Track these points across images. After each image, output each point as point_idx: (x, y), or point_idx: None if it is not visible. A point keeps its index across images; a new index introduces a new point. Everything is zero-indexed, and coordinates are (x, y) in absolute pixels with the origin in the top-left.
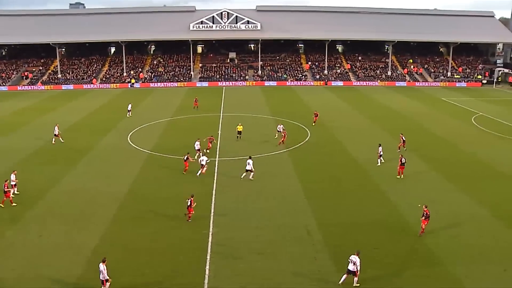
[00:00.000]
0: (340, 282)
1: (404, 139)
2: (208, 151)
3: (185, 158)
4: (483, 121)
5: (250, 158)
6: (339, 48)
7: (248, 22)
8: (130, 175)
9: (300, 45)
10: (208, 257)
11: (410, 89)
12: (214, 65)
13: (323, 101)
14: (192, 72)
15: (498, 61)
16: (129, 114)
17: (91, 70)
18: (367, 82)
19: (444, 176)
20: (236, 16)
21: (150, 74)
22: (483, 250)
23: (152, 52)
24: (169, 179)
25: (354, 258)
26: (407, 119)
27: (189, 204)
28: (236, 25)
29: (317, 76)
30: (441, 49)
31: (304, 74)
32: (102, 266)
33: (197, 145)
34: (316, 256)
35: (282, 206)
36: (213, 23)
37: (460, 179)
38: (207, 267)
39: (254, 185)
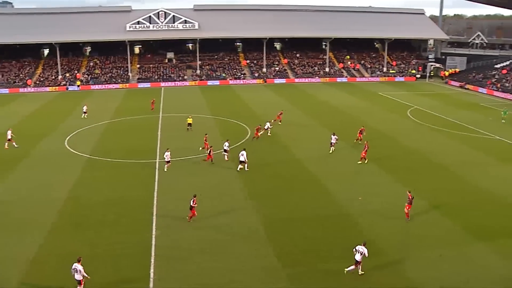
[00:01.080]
0: (346, 271)
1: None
2: (201, 148)
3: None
4: (418, 114)
5: (244, 150)
6: (277, 45)
7: (185, 21)
8: (69, 180)
9: (238, 43)
10: (152, 260)
11: (350, 85)
12: (152, 65)
13: (262, 99)
14: (129, 74)
15: (430, 56)
16: (84, 116)
17: (23, 73)
18: (309, 79)
19: (383, 169)
20: (173, 15)
21: (86, 76)
22: (421, 238)
23: (88, 53)
24: (109, 183)
25: (362, 248)
26: (345, 114)
27: (192, 204)
28: (173, 24)
29: (256, 74)
30: (376, 45)
31: (243, 72)
32: (78, 266)
33: (225, 145)
34: (262, 253)
35: (225, 205)
36: (150, 23)
37: (398, 171)
38: (152, 270)
39: (197, 185)
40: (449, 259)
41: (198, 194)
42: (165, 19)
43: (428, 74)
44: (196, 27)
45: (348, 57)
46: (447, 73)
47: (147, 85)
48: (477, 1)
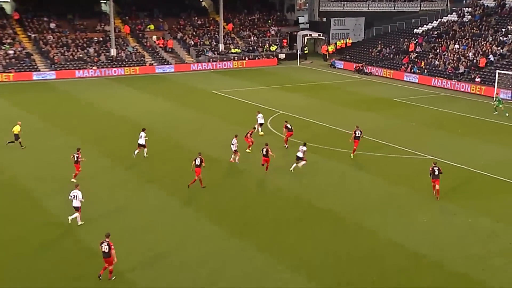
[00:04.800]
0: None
1: (289, 127)
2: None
3: None
4: (281, 126)
5: (304, 145)
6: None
7: None
8: None
9: None
10: None
11: (156, 78)
12: None
13: None
14: None
15: (301, 20)
16: None
17: None
18: (78, 71)
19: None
20: None
21: None
22: None
23: None
24: None
25: (303, 147)
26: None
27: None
28: None
29: None
30: (203, 3)
31: None
32: (79, 193)
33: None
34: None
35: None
36: None
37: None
38: None
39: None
40: None
41: None
42: None
43: (299, 52)
44: None
45: (151, 27)
46: (332, 49)
47: None
48: None
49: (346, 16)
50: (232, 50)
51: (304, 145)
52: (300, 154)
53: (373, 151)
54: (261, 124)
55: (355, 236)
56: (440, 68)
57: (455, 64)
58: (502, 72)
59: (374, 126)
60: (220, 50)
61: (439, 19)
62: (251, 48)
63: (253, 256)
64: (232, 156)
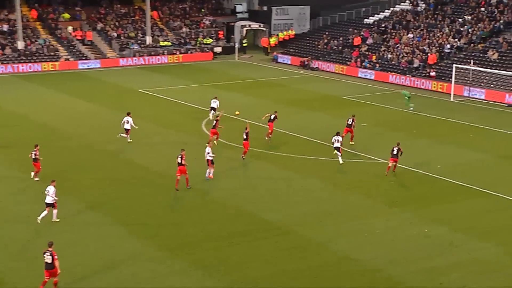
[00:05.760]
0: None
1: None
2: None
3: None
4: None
5: (338, 134)
6: None
7: None
8: None
9: None
10: None
11: (72, 75)
12: None
13: None
14: None
15: (239, 9)
16: None
17: None
18: None
19: None
20: None
21: None
22: None
23: None
24: None
25: (338, 137)
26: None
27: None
28: None
29: None
30: None
31: None
32: (51, 188)
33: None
34: None
35: None
36: None
37: None
38: None
39: None
40: None
41: None
42: None
43: (237, 45)
44: None
45: (66, 16)
46: (274, 41)
47: None
48: None
49: (289, 5)
50: (161, 43)
51: (338, 134)
52: (337, 144)
53: (322, 156)
54: (212, 108)
55: (305, 250)
56: (393, 62)
57: (409, 57)
58: (460, 66)
59: (321, 127)
60: (147, 43)
61: (392, 8)
62: (182, 41)
63: (195, 279)
64: (208, 170)
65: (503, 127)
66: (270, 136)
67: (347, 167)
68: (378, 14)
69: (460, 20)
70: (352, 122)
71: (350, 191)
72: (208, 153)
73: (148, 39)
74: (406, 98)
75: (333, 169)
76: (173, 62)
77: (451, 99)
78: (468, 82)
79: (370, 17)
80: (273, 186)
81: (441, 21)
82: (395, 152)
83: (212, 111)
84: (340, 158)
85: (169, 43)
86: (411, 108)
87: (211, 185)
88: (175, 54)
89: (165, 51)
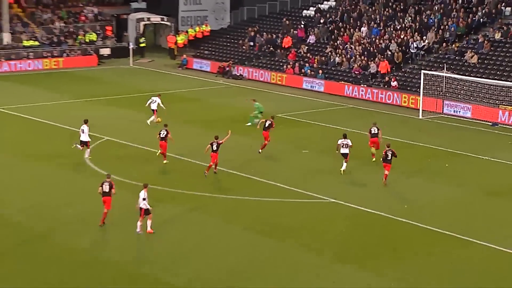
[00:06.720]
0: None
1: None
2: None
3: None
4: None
5: (345, 137)
6: None
7: None
8: None
9: None
10: None
11: None
12: None
13: None
14: None
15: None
16: None
17: None
18: None
19: None
20: None
21: None
22: None
23: None
24: None
25: (346, 141)
26: None
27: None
28: None
29: None
30: None
31: None
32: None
33: None
34: None
35: None
36: None
37: None
38: None
39: None
40: None
41: None
42: None
43: (132, 46)
44: None
45: None
46: (182, 40)
47: None
48: None
49: None
50: (25, 43)
51: (345, 137)
52: (346, 150)
53: (244, 195)
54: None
55: None
56: (343, 67)
57: (363, 61)
58: (429, 73)
59: (248, 156)
60: (5, 43)
61: None
62: (55, 40)
63: None
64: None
65: (487, 153)
66: (264, 148)
67: (276, 208)
68: (321, 3)
69: (428, 12)
70: (377, 131)
71: (283, 240)
72: (144, 199)
73: (6, 37)
74: (256, 112)
75: (257, 210)
76: (41, 70)
77: (420, 116)
78: (442, 93)
79: (311, 7)
80: (183, 235)
81: (402, 12)
82: (389, 158)
83: (153, 117)
84: (344, 165)
85: (36, 43)
86: (249, 123)
87: None
88: (46, 57)
89: (31, 53)
